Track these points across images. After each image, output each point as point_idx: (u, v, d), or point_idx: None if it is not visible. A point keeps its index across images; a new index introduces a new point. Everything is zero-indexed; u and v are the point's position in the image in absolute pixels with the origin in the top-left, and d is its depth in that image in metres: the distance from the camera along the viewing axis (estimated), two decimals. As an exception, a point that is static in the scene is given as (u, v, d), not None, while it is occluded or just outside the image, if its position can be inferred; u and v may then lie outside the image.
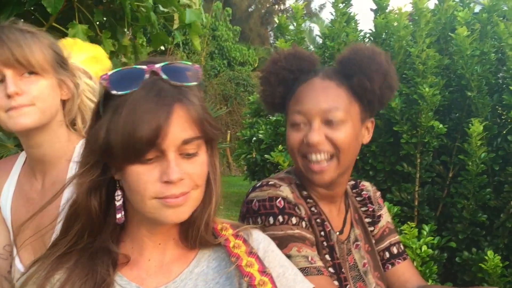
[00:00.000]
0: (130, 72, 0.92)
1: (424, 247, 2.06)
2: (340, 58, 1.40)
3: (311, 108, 1.32)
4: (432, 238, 2.16)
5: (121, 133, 0.87)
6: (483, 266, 2.08)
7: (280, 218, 1.26)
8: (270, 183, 1.33)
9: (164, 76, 0.91)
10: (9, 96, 1.29)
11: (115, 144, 0.88)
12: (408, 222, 2.13)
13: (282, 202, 1.28)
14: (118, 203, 0.98)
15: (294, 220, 1.27)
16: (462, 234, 2.36)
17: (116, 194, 0.98)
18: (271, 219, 1.26)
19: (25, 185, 1.45)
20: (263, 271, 1.01)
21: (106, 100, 0.93)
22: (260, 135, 2.88)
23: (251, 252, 1.03)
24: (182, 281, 1.02)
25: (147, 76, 0.91)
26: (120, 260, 1.01)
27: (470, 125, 2.24)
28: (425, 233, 2.22)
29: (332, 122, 1.31)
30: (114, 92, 0.90)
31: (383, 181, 2.55)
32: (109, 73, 0.92)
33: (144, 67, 0.92)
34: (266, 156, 2.67)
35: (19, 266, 1.39)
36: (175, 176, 0.89)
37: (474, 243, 2.40)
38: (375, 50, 1.38)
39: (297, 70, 1.40)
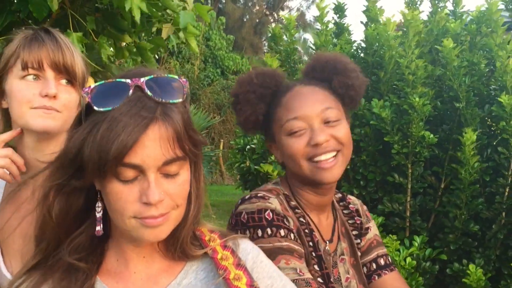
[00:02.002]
0: (113, 87, 0.89)
1: (408, 259, 2.06)
2: (310, 67, 1.50)
3: (308, 112, 1.37)
4: (416, 249, 2.16)
5: (96, 148, 0.85)
6: (466, 281, 2.08)
7: (269, 230, 1.27)
8: (259, 195, 1.34)
9: (148, 93, 0.88)
10: (45, 96, 1.32)
11: (89, 159, 0.87)
12: (390, 235, 2.13)
13: (271, 214, 1.29)
14: (98, 215, 0.96)
15: (282, 232, 1.28)
16: (454, 244, 2.36)
17: (96, 205, 0.96)
18: (259, 232, 1.26)
19: (13, 190, 1.43)
20: (251, 285, 0.99)
21: (87, 112, 0.91)
22: (253, 145, 2.89)
23: (239, 264, 1.02)
24: None
25: (131, 91, 0.88)
26: (100, 272, 0.99)
27: (464, 133, 2.25)
28: (416, 244, 2.23)
29: (330, 121, 1.37)
30: (96, 108, 0.88)
31: (374, 191, 2.55)
32: (92, 86, 0.90)
33: (129, 81, 0.89)
34: (256, 167, 2.67)
35: (6, 273, 1.37)
36: (155, 198, 0.87)
37: (466, 255, 2.40)
38: (337, 53, 1.53)
39: (273, 85, 1.45)
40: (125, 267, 1.01)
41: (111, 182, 0.88)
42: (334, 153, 1.36)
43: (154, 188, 0.87)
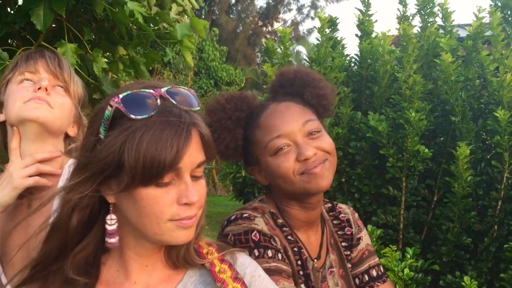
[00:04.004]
0: (141, 96, 0.93)
1: (406, 270, 2.07)
2: (277, 84, 1.48)
3: (290, 127, 1.35)
4: (414, 260, 2.17)
5: (142, 157, 0.87)
6: None
7: (256, 252, 1.26)
8: (244, 215, 1.34)
9: (174, 102, 0.93)
10: (38, 89, 1.35)
11: (135, 167, 0.88)
12: (390, 245, 2.14)
13: (258, 235, 1.28)
14: (111, 228, 0.97)
15: (270, 253, 1.27)
16: (447, 256, 2.37)
17: (109, 217, 0.97)
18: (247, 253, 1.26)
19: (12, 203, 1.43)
20: None
21: (114, 121, 0.92)
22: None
23: (237, 278, 1.03)
24: None
25: (158, 101, 0.92)
26: (99, 283, 1.00)
27: (457, 147, 2.27)
28: (408, 256, 2.23)
29: (313, 133, 1.36)
30: (132, 116, 0.90)
31: (368, 203, 2.56)
32: (121, 96, 0.92)
33: (152, 91, 0.93)
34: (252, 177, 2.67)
35: (5, 282, 1.37)
36: (195, 198, 0.92)
37: (459, 267, 2.41)
38: (299, 66, 1.52)
39: (246, 108, 1.42)
40: (126, 278, 1.02)
41: (147, 188, 0.90)
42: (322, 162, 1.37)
43: (192, 189, 0.92)
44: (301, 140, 1.34)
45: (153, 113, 0.90)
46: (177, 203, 0.92)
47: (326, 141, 1.38)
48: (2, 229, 1.41)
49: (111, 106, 0.91)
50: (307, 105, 1.42)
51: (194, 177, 0.95)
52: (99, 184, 0.95)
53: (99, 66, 2.54)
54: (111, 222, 0.98)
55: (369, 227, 2.27)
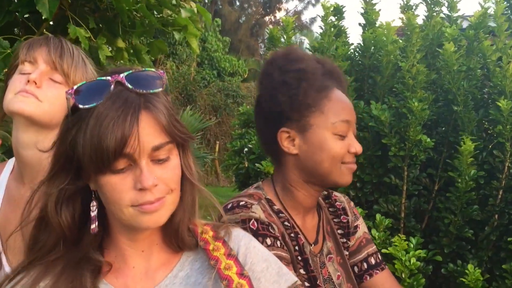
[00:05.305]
0: (95, 85, 0.93)
1: (413, 259, 2.07)
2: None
3: (352, 120, 1.44)
4: (420, 251, 2.18)
5: (88, 145, 0.88)
6: (464, 280, 2.10)
7: None
8: (241, 203, 1.34)
9: (129, 85, 0.92)
10: (27, 82, 1.34)
11: (84, 156, 0.90)
12: (399, 235, 2.15)
13: (256, 224, 1.30)
14: (92, 214, 0.99)
15: (269, 241, 1.29)
16: (448, 248, 2.38)
17: (91, 204, 0.99)
18: None
19: (13, 190, 1.45)
20: (241, 273, 1.03)
21: (74, 113, 0.94)
22: (251, 145, 2.90)
23: (230, 254, 1.05)
24: (166, 286, 1.03)
25: (112, 87, 0.92)
26: (104, 268, 1.01)
27: (462, 143, 2.26)
28: (412, 245, 2.24)
29: None
30: (80, 106, 0.91)
31: (370, 192, 2.57)
32: (75, 87, 0.93)
33: (109, 78, 0.93)
34: (256, 165, 2.68)
35: (8, 270, 1.38)
36: (149, 183, 0.90)
37: (459, 256, 2.42)
38: (267, 62, 1.51)
39: (329, 71, 1.51)
40: (124, 263, 1.03)
41: (104, 175, 0.91)
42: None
43: (147, 173, 0.91)
44: (352, 134, 1.44)
45: (101, 101, 0.90)
46: (134, 188, 0.92)
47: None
48: (4, 214, 1.43)
49: (67, 98, 0.93)
50: None
51: (159, 160, 0.94)
52: (78, 173, 0.95)
53: (104, 54, 2.55)
54: (93, 209, 0.99)
55: (378, 216, 2.28)
